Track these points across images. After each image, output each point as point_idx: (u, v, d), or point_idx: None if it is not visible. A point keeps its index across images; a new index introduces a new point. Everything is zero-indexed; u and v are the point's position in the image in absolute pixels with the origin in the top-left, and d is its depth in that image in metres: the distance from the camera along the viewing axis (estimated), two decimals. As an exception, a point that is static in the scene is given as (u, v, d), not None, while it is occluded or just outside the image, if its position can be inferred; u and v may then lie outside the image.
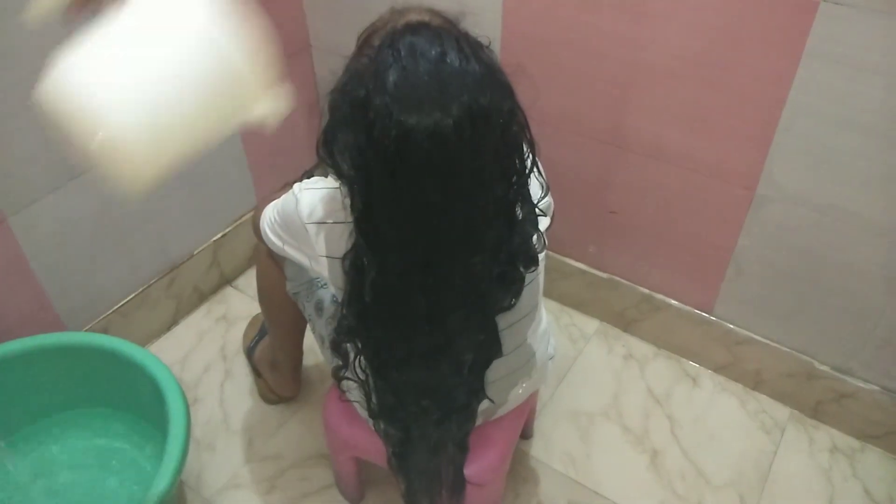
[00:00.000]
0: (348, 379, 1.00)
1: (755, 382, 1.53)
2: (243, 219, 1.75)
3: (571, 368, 1.59)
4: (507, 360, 1.00)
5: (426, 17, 0.82)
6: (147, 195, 0.62)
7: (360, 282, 0.85)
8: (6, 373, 1.25)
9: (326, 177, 0.94)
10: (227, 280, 1.79)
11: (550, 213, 1.00)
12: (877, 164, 1.15)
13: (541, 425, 1.46)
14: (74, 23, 0.61)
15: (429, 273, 0.81)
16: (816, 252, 1.29)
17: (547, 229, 0.97)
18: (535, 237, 0.90)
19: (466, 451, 1.04)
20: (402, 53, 0.73)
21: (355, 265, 0.85)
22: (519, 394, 1.12)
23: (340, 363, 0.99)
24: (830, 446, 1.44)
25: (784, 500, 1.35)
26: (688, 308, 1.53)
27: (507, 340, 0.96)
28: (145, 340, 1.61)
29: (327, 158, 0.80)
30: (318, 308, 1.16)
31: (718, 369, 1.57)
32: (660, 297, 1.56)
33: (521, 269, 0.90)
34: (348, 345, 0.95)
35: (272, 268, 1.23)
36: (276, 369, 1.46)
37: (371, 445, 1.10)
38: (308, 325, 1.25)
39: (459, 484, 1.06)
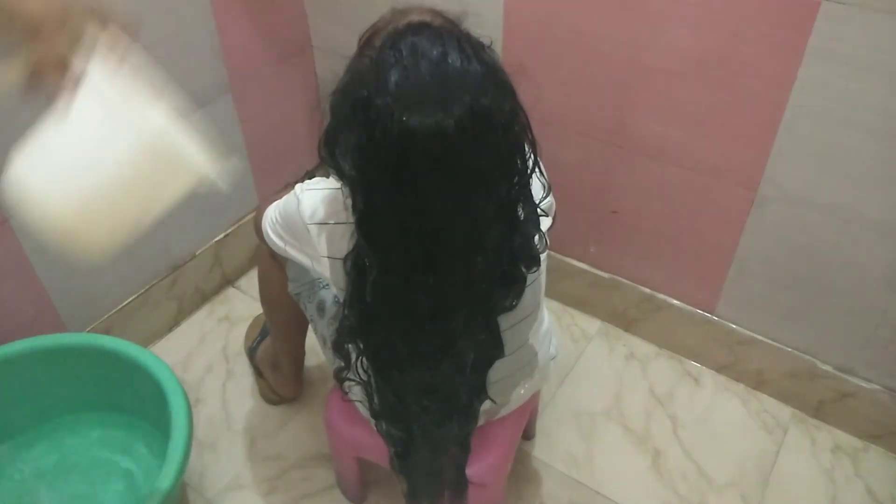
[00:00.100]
0: (350, 380, 1.00)
1: (757, 382, 1.53)
2: (245, 219, 1.75)
3: (573, 368, 1.59)
4: (509, 360, 1.00)
5: (428, 18, 0.82)
6: (107, 258, 0.62)
7: (361, 282, 0.85)
8: (8, 374, 1.26)
9: (328, 177, 0.95)
10: (228, 281, 1.79)
11: (552, 213, 1.00)
12: (879, 163, 1.15)
13: (543, 425, 1.46)
14: (29, 101, 0.61)
15: (430, 273, 0.81)
16: (819, 252, 1.29)
17: (549, 229, 0.96)
18: (536, 237, 0.90)
19: (468, 451, 1.04)
20: (404, 54, 0.73)
21: (357, 266, 0.85)
22: (521, 394, 1.12)
23: (342, 364, 0.99)
24: (833, 446, 1.44)
25: (786, 500, 1.35)
26: (690, 308, 1.53)
27: (509, 341, 0.96)
28: (147, 341, 1.61)
29: (329, 159, 0.80)
30: (320, 308, 1.16)
31: (720, 369, 1.57)
32: (662, 296, 1.56)
33: (523, 270, 0.89)
34: (350, 345, 0.95)
35: (274, 268, 1.23)
36: (277, 370, 1.46)
37: (373, 446, 1.10)
38: (310, 326, 1.25)
39: (461, 484, 1.06)
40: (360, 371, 0.95)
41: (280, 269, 1.21)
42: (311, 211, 0.95)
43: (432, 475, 1.04)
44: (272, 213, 1.04)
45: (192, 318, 1.71)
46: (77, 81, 0.54)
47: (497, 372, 0.98)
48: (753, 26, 1.14)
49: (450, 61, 0.73)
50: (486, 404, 1.01)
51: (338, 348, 0.96)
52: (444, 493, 1.06)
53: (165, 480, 1.05)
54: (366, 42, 0.86)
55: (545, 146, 0.86)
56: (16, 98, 0.60)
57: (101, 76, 0.54)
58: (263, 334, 1.52)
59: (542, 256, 0.94)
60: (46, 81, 0.56)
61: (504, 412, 1.13)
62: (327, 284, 1.14)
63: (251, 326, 1.61)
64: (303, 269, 1.12)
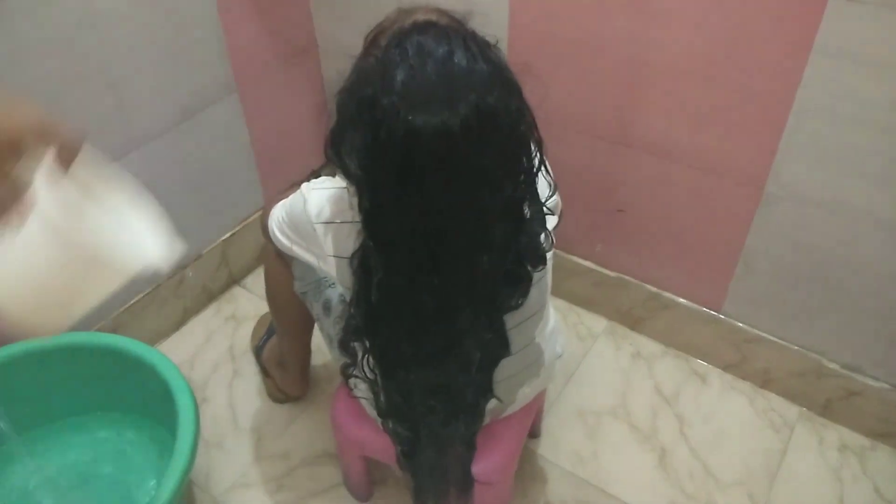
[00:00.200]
0: (356, 377, 1.00)
1: (764, 381, 1.52)
2: (251, 219, 1.76)
3: (579, 367, 1.59)
4: (515, 359, 1.00)
5: (433, 17, 0.82)
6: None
7: (367, 281, 0.85)
8: (15, 373, 1.26)
9: (334, 177, 0.95)
10: (235, 280, 1.79)
11: (558, 212, 1.00)
12: (886, 160, 1.14)
13: (548, 424, 1.46)
14: None
15: (436, 272, 0.81)
16: (825, 250, 1.29)
17: (555, 228, 0.96)
18: (542, 236, 0.90)
19: (474, 449, 1.04)
20: (410, 53, 0.73)
21: (363, 265, 0.85)
22: (527, 393, 1.12)
23: (349, 362, 0.99)
24: (840, 444, 1.43)
25: (793, 498, 1.35)
26: (696, 306, 1.53)
27: (515, 340, 0.96)
28: (154, 340, 1.62)
29: (335, 158, 0.81)
30: (326, 307, 1.16)
31: (727, 368, 1.57)
32: (668, 295, 1.55)
33: (529, 268, 0.90)
34: (356, 344, 0.95)
35: (280, 267, 1.23)
36: (284, 368, 1.46)
37: (379, 444, 1.10)
38: (316, 325, 1.25)
39: (468, 483, 1.07)
40: (367, 370, 0.96)
41: (286, 268, 1.22)
42: (317, 210, 0.95)
43: (438, 474, 1.04)
44: (278, 212, 1.04)
45: (198, 316, 1.71)
46: (22, 197, 0.56)
47: (503, 371, 0.98)
48: (760, 24, 1.14)
49: (456, 60, 0.73)
50: (492, 403, 1.01)
51: (344, 347, 0.97)
52: (450, 491, 1.06)
53: (172, 479, 1.05)
54: (372, 41, 0.86)
55: (551, 145, 0.86)
56: None
57: (46, 192, 0.57)
58: (270, 333, 1.52)
59: (548, 255, 0.94)
60: None
61: (510, 411, 1.13)
62: (333, 283, 1.15)
63: (257, 325, 1.62)
64: (309, 268, 1.12)
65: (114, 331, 1.50)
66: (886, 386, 1.36)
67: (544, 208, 0.89)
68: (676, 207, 1.42)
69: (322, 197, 0.95)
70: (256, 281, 1.76)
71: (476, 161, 0.74)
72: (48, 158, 0.56)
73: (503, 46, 0.81)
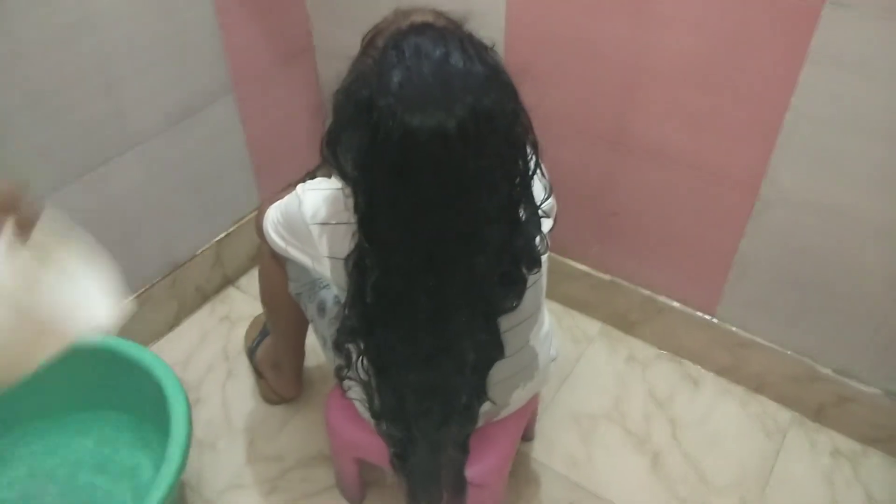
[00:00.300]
0: (350, 378, 1.00)
1: (757, 385, 1.53)
2: (246, 219, 1.75)
3: (573, 370, 1.59)
4: (510, 361, 1.00)
5: (430, 18, 0.82)
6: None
7: (362, 282, 0.85)
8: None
9: (330, 177, 0.95)
10: (229, 280, 1.79)
11: (553, 215, 1.00)
12: (880, 166, 1.15)
13: (542, 427, 1.46)
14: None
15: (431, 274, 0.81)
16: (819, 255, 1.29)
17: (550, 231, 0.97)
18: (538, 238, 0.90)
19: (467, 452, 1.04)
20: (407, 54, 0.73)
21: (358, 266, 0.85)
22: (521, 395, 1.12)
23: (343, 362, 0.99)
24: (832, 450, 1.43)
25: (786, 503, 1.35)
26: (690, 310, 1.53)
27: (510, 342, 0.96)
28: (148, 340, 1.61)
29: (331, 159, 0.81)
30: (321, 309, 1.16)
31: (720, 372, 1.57)
32: (662, 299, 1.56)
33: (524, 271, 0.90)
34: (351, 345, 0.95)
35: (275, 268, 1.23)
36: (278, 370, 1.46)
37: (373, 446, 1.10)
38: (310, 326, 1.25)
39: (461, 485, 1.06)
40: (361, 371, 0.96)
41: (281, 268, 1.22)
42: (312, 211, 0.95)
43: (432, 476, 1.04)
44: (274, 213, 1.04)
45: (192, 317, 1.71)
46: None
47: (497, 373, 0.98)
48: (756, 30, 1.14)
49: (452, 62, 0.73)
50: (486, 406, 1.01)
51: (338, 348, 0.96)
52: (443, 494, 1.06)
53: (164, 480, 1.05)
54: (369, 42, 0.86)
55: (547, 147, 0.86)
56: None
57: (2, 261, 0.59)
58: (264, 334, 1.52)
59: (543, 258, 0.94)
60: None
61: (504, 414, 1.13)
62: (328, 285, 1.15)
63: (251, 326, 1.62)
64: (304, 269, 1.12)
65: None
66: (879, 391, 1.37)
67: (540, 211, 0.89)
68: (671, 211, 1.42)
69: (317, 198, 0.95)
70: (251, 282, 1.75)
71: (472, 163, 0.75)
72: (6, 229, 0.59)
73: (500, 49, 0.81)
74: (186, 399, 1.17)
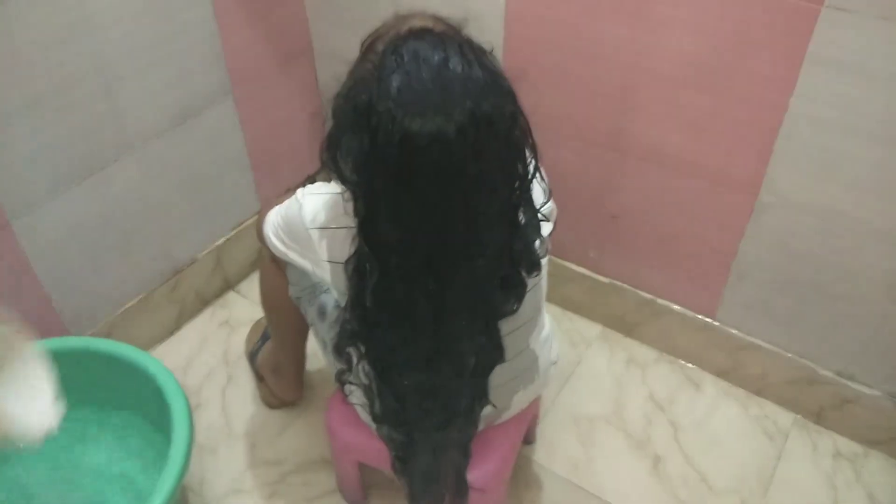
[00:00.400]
0: (351, 383, 1.00)
1: (758, 388, 1.53)
2: (246, 224, 1.75)
3: (573, 373, 1.59)
4: (510, 365, 1.00)
5: (429, 23, 0.82)
6: None
7: (362, 286, 0.85)
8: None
9: (329, 182, 0.95)
10: (229, 285, 1.79)
11: (553, 218, 1.00)
12: (879, 169, 1.15)
13: (543, 430, 1.46)
14: None
15: (431, 277, 0.82)
16: (819, 257, 1.29)
17: (549, 234, 0.97)
18: (537, 242, 0.90)
19: (469, 455, 1.04)
20: (406, 59, 0.73)
21: (358, 270, 0.85)
22: (521, 399, 1.12)
23: (344, 367, 0.99)
24: (834, 452, 1.43)
25: (787, 505, 1.35)
26: (690, 313, 1.53)
27: (510, 346, 0.96)
28: (148, 345, 1.61)
29: (330, 163, 0.81)
30: (321, 313, 1.16)
31: (721, 374, 1.57)
32: (662, 301, 1.56)
33: (524, 274, 0.90)
34: (351, 349, 0.95)
35: (275, 272, 1.23)
36: (278, 374, 1.46)
37: (374, 450, 1.10)
38: (311, 330, 1.25)
39: (462, 489, 1.06)
40: (362, 375, 0.96)
41: (281, 273, 1.22)
42: (312, 215, 0.95)
43: (433, 480, 1.04)
44: (274, 217, 1.04)
45: (192, 322, 1.71)
46: None
47: (498, 377, 0.98)
48: (754, 32, 1.14)
49: (451, 66, 0.73)
50: (487, 409, 1.01)
51: (339, 352, 0.97)
52: (444, 497, 1.06)
53: (166, 485, 1.05)
54: (368, 47, 0.86)
55: (546, 151, 0.86)
56: None
57: None
58: (264, 339, 1.52)
59: (543, 261, 0.94)
60: None
61: (505, 417, 1.13)
62: (328, 289, 1.15)
63: (252, 331, 1.62)
64: (304, 274, 1.12)
65: (108, 335, 1.49)
66: (880, 393, 1.37)
67: (539, 214, 0.90)
68: (670, 214, 1.42)
69: (317, 202, 0.95)
70: (251, 286, 1.76)
71: (471, 167, 0.75)
72: None
73: (498, 53, 0.81)
74: (188, 403, 1.17)
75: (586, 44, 1.31)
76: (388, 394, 0.95)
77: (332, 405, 1.20)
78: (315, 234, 0.95)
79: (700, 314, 1.52)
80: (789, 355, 1.44)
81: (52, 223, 1.34)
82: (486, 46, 0.79)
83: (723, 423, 1.49)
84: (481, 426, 1.05)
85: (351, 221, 0.83)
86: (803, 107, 1.16)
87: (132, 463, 1.32)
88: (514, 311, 0.91)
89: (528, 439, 1.43)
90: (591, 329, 1.68)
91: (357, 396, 1.05)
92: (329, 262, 0.95)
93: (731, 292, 1.45)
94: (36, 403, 0.75)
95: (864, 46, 1.07)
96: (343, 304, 0.93)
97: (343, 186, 0.82)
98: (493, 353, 0.93)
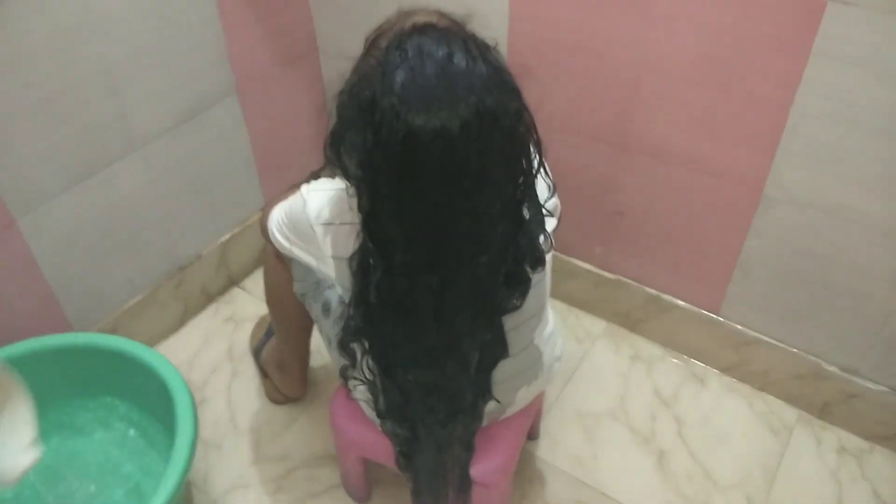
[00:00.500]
0: (356, 378, 1.00)
1: (763, 383, 1.53)
2: (251, 220, 1.76)
3: (578, 369, 1.59)
4: (514, 361, 1.00)
5: (433, 19, 0.82)
6: None
7: (366, 282, 0.85)
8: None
9: (334, 178, 0.95)
10: (234, 281, 1.79)
11: (557, 214, 1.00)
12: (885, 164, 1.15)
13: (547, 426, 1.46)
14: None
15: (435, 273, 0.82)
16: (824, 253, 1.29)
17: (554, 230, 0.97)
18: (541, 238, 0.90)
19: (473, 451, 1.04)
20: (410, 54, 0.73)
21: (362, 266, 0.85)
22: (525, 395, 1.12)
23: (348, 363, 0.99)
24: (838, 447, 1.43)
25: (792, 501, 1.35)
26: (695, 309, 1.53)
27: (514, 341, 0.96)
28: (153, 341, 1.62)
29: (335, 159, 0.81)
30: (326, 309, 1.16)
31: (726, 370, 1.57)
32: (667, 297, 1.55)
33: (528, 270, 0.90)
34: (355, 345, 0.95)
35: (279, 269, 1.24)
36: (283, 370, 1.46)
37: (378, 445, 1.10)
38: (315, 326, 1.25)
39: (466, 484, 1.07)
40: (366, 370, 0.96)
41: (285, 269, 1.22)
42: (316, 212, 0.95)
43: (437, 475, 1.04)
44: (278, 213, 1.04)
45: (197, 318, 1.71)
46: None
47: (502, 372, 0.98)
48: (759, 27, 1.14)
49: (455, 62, 0.73)
50: (491, 405, 1.02)
51: (343, 348, 0.97)
52: (448, 492, 1.06)
53: (171, 480, 1.05)
54: (372, 43, 0.86)
55: (550, 147, 0.86)
56: None
57: None
58: (269, 334, 1.52)
59: (548, 257, 0.94)
60: None
61: (509, 413, 1.13)
62: (332, 285, 1.15)
63: (256, 327, 1.62)
64: (308, 270, 1.12)
65: (113, 331, 1.50)
66: (885, 389, 1.37)
67: (543, 210, 0.89)
68: (675, 210, 1.42)
69: (321, 198, 0.95)
70: (255, 282, 1.76)
71: (476, 162, 0.75)
72: None
73: (503, 49, 0.81)
74: (192, 399, 1.17)
75: (590, 40, 1.31)
76: (393, 389, 0.95)
77: (336, 401, 1.21)
78: (319, 231, 0.95)
79: (705, 310, 1.52)
80: (794, 351, 1.44)
81: (58, 221, 1.34)
82: (491, 42, 0.79)
83: (727, 418, 1.49)
84: (485, 422, 1.05)
85: (355, 217, 0.83)
86: (809, 102, 1.16)
87: (136, 459, 1.32)
88: (518, 307, 0.91)
89: (532, 435, 1.43)
90: (596, 325, 1.68)
91: (361, 392, 1.05)
92: (333, 258, 0.95)
93: (736, 288, 1.45)
94: (15, 444, 0.75)
95: (871, 41, 1.06)
96: (347, 300, 0.93)
97: (347, 182, 0.82)
98: (497, 348, 0.93)
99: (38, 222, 1.31)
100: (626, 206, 1.48)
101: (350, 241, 0.86)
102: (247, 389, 1.55)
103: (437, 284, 0.82)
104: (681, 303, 1.54)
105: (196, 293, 1.70)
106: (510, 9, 1.36)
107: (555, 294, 1.67)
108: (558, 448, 1.43)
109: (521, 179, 0.82)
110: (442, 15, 0.85)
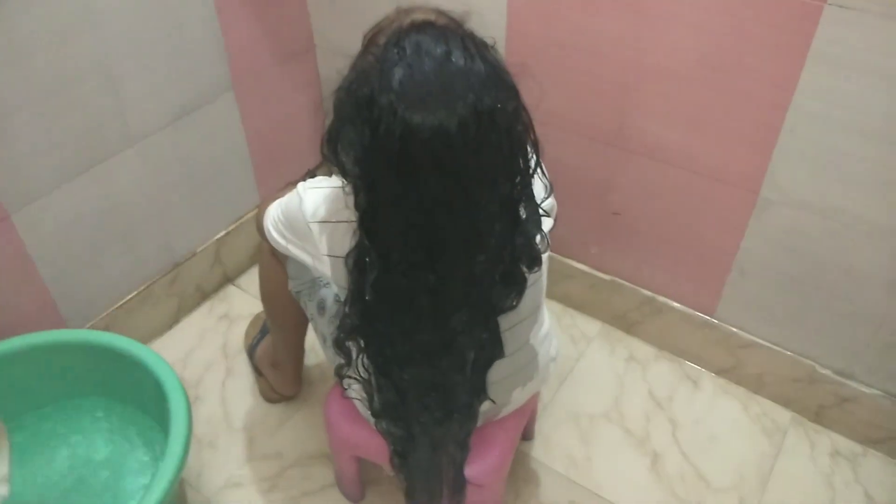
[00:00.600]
0: (350, 377, 1.00)
1: (757, 386, 1.53)
2: (246, 217, 1.75)
3: (573, 370, 1.59)
4: (509, 361, 1.00)
5: (432, 17, 0.82)
6: None
7: (362, 280, 0.85)
8: (7, 370, 1.26)
9: (330, 176, 0.95)
10: (229, 278, 1.79)
11: (554, 214, 1.00)
12: (880, 167, 1.15)
13: (542, 427, 1.46)
14: None
15: (432, 272, 0.81)
16: (819, 256, 1.29)
17: (550, 230, 0.96)
18: (538, 237, 0.90)
19: (467, 451, 1.04)
20: (408, 52, 0.73)
21: (358, 264, 0.85)
22: (520, 395, 1.12)
23: (343, 361, 0.99)
24: (832, 450, 1.43)
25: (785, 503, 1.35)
26: (690, 311, 1.53)
27: (510, 341, 0.96)
28: (147, 338, 1.61)
29: (331, 157, 0.81)
30: (321, 307, 1.16)
31: (720, 372, 1.57)
32: (662, 299, 1.56)
33: (524, 270, 0.90)
34: (351, 344, 0.95)
35: (275, 266, 1.23)
36: (277, 368, 1.46)
37: (372, 444, 1.10)
38: (310, 325, 1.25)
39: (460, 484, 1.06)
40: (361, 369, 0.96)
41: (281, 267, 1.22)
42: (312, 209, 0.95)
43: (432, 474, 1.04)
44: (274, 211, 1.04)
45: (192, 315, 1.71)
46: None
47: (497, 372, 0.98)
48: (756, 29, 1.14)
49: (453, 60, 0.73)
50: (486, 405, 1.01)
51: (339, 346, 0.96)
52: (442, 492, 1.06)
53: (164, 478, 1.05)
54: (370, 40, 0.86)
55: (547, 147, 0.86)
56: None
57: None
58: (263, 332, 1.52)
59: (544, 257, 0.94)
60: None
61: (504, 413, 1.13)
62: (328, 283, 1.15)
63: (251, 325, 1.62)
64: (304, 268, 1.12)
65: (106, 328, 1.49)
66: (879, 392, 1.37)
67: (540, 210, 0.89)
68: (671, 211, 1.42)
69: (318, 196, 0.95)
70: (250, 280, 1.75)
71: (473, 161, 0.75)
72: None
73: (501, 47, 0.81)
74: (186, 397, 1.16)
75: (588, 39, 1.31)
76: (388, 388, 0.95)
77: (331, 399, 1.20)
78: (315, 228, 0.95)
79: (700, 312, 1.52)
80: (789, 353, 1.44)
81: (53, 216, 1.33)
82: (489, 40, 0.79)
83: (722, 420, 1.49)
84: (480, 422, 1.05)
85: (351, 215, 0.82)
86: (806, 104, 1.16)
87: (130, 456, 1.32)
88: (514, 307, 0.91)
89: (527, 435, 1.43)
90: (592, 326, 1.68)
91: (356, 391, 1.05)
92: (329, 256, 0.94)
93: (731, 290, 1.45)
94: None
95: (867, 44, 1.06)
96: (343, 298, 0.92)
97: (344, 180, 0.82)
98: (493, 348, 0.93)
99: (32, 218, 1.30)
100: (622, 206, 1.48)
101: (346, 239, 0.86)
102: (241, 387, 1.55)
103: (434, 283, 0.82)
104: (676, 305, 1.54)
105: (191, 290, 1.69)
106: (508, 7, 1.36)
107: (550, 295, 1.67)
108: (553, 449, 1.43)
109: (518, 178, 0.82)
110: (440, 13, 0.85)
